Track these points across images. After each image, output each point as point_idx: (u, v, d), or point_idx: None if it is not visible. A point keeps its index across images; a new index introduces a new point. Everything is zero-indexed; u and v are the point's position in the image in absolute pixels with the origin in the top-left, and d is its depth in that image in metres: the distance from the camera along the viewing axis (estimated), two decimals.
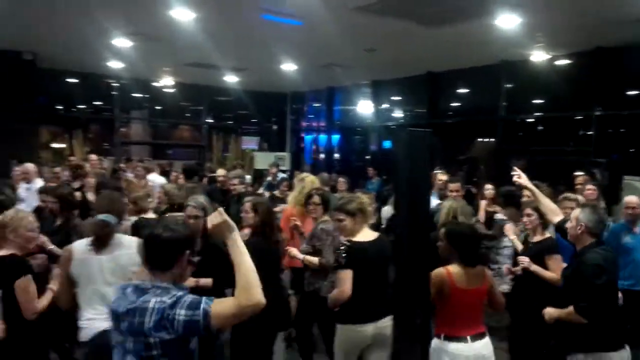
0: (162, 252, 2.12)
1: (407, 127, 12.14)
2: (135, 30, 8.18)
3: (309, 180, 5.55)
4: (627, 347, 3.22)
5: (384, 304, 3.43)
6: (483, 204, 6.56)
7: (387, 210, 6.32)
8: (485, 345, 3.18)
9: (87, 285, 3.19)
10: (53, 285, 3.35)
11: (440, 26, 7.30)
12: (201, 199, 3.88)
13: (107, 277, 3.14)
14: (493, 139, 11.09)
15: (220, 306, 2.01)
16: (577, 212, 3.32)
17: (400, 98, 13.25)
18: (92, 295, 3.17)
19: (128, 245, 3.23)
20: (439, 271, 3.11)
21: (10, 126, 9.72)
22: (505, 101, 10.00)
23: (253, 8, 6.77)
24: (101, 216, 3.28)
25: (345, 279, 3.33)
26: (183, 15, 7.14)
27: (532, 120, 10.41)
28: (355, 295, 3.32)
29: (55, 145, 13.18)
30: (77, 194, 6.58)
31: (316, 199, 4.48)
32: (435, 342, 3.17)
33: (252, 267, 2.08)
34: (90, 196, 6.64)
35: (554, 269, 3.87)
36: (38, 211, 4.88)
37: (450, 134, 11.49)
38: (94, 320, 3.15)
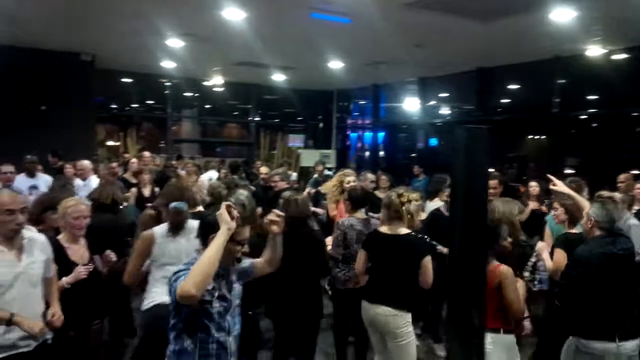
0: (201, 230, 2.55)
1: (455, 124, 12.02)
2: (187, 31, 8.40)
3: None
4: (622, 341, 3.17)
5: (386, 294, 3.72)
6: (532, 204, 6.44)
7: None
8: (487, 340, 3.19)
9: (163, 265, 3.42)
10: (65, 279, 3.42)
11: (492, 21, 7.18)
12: (241, 195, 4.04)
13: (183, 258, 3.29)
14: (544, 137, 10.82)
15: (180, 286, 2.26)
16: (587, 208, 3.54)
17: (448, 95, 13.09)
18: (163, 274, 3.36)
19: None
20: None
21: (70, 124, 10.13)
22: (559, 97, 9.72)
23: (303, 6, 6.83)
24: (174, 204, 3.53)
25: (359, 258, 3.94)
26: (234, 15, 7.27)
27: (587, 117, 10.09)
28: (369, 276, 3.90)
29: (110, 143, 13.69)
30: (133, 190, 6.88)
31: (345, 195, 4.83)
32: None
33: (204, 264, 2.26)
34: (146, 192, 6.91)
35: (554, 260, 3.93)
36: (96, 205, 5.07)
37: (500, 131, 11.29)
38: (156, 293, 3.38)
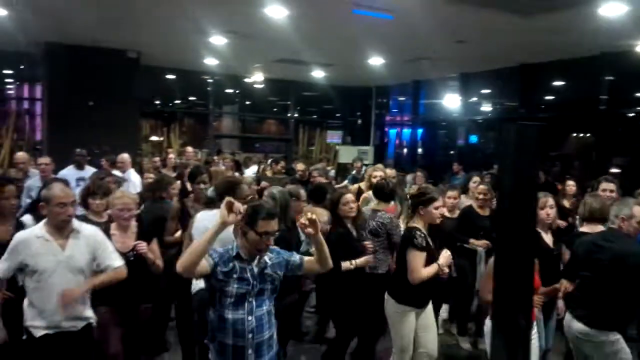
0: None
1: (497, 121, 11.83)
2: (230, 28, 8.53)
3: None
4: (574, 319, 3.46)
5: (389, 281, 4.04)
6: (567, 203, 6.30)
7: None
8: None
9: None
10: None
11: (537, 16, 7.03)
12: (274, 190, 4.20)
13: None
14: (590, 135, 10.53)
15: None
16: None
17: (489, 91, 12.87)
18: None
19: None
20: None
21: (116, 119, 10.42)
22: (606, 95, 9.44)
23: (345, 3, 6.85)
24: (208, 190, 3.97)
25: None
26: (276, 13, 7.36)
27: (635, 114, 9.77)
28: None
29: (154, 138, 14.04)
30: (177, 183, 7.06)
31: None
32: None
33: (190, 250, 2.60)
34: (190, 186, 7.07)
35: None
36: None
37: (544, 129, 11.01)
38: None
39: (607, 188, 5.02)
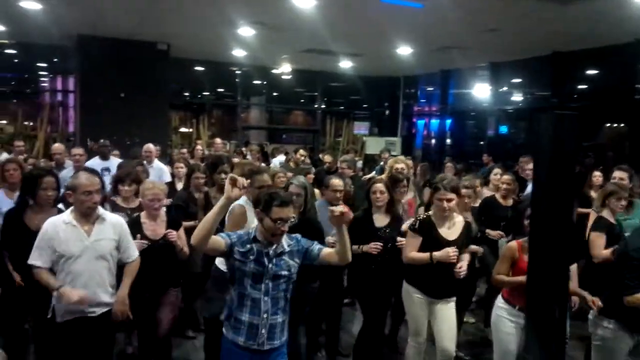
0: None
1: (528, 111, 11.60)
2: (258, 19, 8.56)
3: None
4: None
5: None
6: (593, 194, 6.21)
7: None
8: None
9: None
10: None
11: (571, 3, 6.87)
12: (302, 179, 4.25)
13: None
14: (624, 124, 10.27)
15: None
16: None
17: (520, 80, 12.64)
18: None
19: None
20: (511, 244, 3.55)
21: (146, 111, 10.59)
22: None
23: None
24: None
25: None
26: (304, 3, 7.36)
27: None
28: None
29: (183, 129, 14.22)
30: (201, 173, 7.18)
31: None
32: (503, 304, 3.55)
33: (201, 223, 2.69)
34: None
35: None
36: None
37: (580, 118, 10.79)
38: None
39: (617, 176, 5.34)
